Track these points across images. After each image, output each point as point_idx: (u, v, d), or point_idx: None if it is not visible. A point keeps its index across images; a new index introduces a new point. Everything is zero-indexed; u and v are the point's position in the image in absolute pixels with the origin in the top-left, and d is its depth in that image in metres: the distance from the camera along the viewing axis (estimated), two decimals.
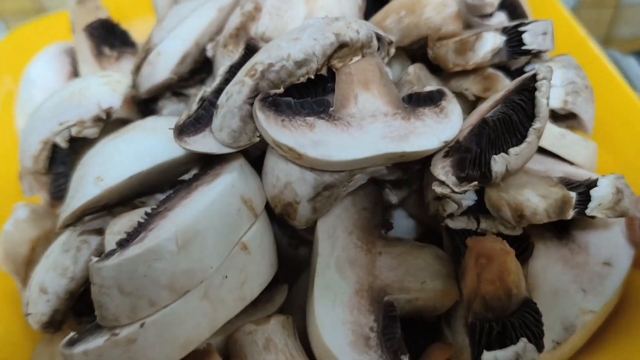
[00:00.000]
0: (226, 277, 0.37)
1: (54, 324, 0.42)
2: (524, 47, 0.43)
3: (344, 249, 0.40)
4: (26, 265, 0.46)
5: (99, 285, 0.34)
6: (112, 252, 0.35)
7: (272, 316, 0.40)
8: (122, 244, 0.35)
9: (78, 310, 0.44)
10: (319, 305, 0.37)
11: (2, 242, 0.47)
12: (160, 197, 0.43)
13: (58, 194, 0.48)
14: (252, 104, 0.37)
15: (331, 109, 0.38)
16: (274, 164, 0.39)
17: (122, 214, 0.42)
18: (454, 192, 0.37)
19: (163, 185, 0.44)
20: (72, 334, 0.36)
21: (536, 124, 0.37)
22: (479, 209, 0.40)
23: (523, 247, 0.40)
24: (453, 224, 0.40)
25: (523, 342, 0.36)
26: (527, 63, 0.46)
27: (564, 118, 0.46)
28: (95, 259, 0.35)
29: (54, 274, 0.42)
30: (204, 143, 0.39)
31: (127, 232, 0.37)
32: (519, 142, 0.37)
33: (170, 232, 0.34)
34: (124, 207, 0.44)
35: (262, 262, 0.39)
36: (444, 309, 0.40)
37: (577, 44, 0.52)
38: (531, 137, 0.37)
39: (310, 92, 0.40)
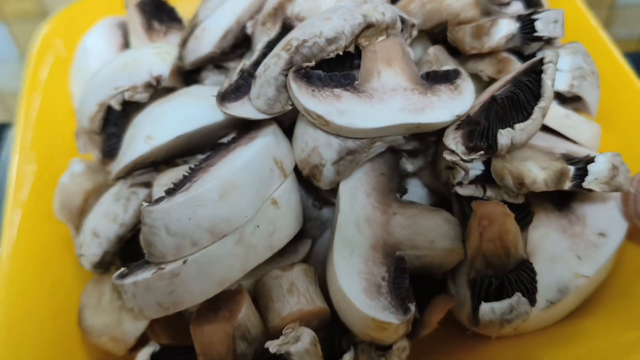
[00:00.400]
0: (258, 226, 0.42)
1: (103, 265, 0.48)
2: (536, 34, 0.47)
3: (363, 209, 0.44)
4: (80, 214, 0.52)
5: (149, 226, 0.39)
6: (161, 198, 0.40)
7: (296, 264, 0.45)
8: (170, 192, 0.41)
9: (124, 255, 0.49)
10: (337, 256, 0.42)
11: (59, 192, 0.53)
12: (202, 157, 0.48)
13: (109, 152, 0.53)
14: (286, 75, 0.42)
15: (356, 82, 0.43)
16: (303, 130, 0.44)
17: (168, 170, 0.48)
18: (462, 160, 0.41)
19: (204, 147, 0.49)
20: (122, 269, 0.42)
21: (541, 103, 0.41)
22: (485, 179, 0.44)
23: (524, 214, 0.44)
24: (462, 191, 0.45)
25: (517, 296, 0.40)
26: (540, 49, 0.50)
27: (570, 101, 0.50)
28: (146, 204, 0.40)
29: (105, 220, 0.48)
30: (243, 109, 0.44)
31: (173, 183, 0.42)
32: (524, 118, 0.41)
33: (212, 183, 0.39)
34: (168, 165, 0.50)
35: (290, 216, 0.44)
36: (449, 266, 0.44)
37: (589, 33, 0.55)
38: (536, 114, 0.41)
39: (339, 66, 0.45)
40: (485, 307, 0.40)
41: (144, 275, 0.39)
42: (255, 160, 0.42)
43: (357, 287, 0.41)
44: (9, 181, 0.54)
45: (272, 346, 0.40)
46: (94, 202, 0.51)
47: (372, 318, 0.40)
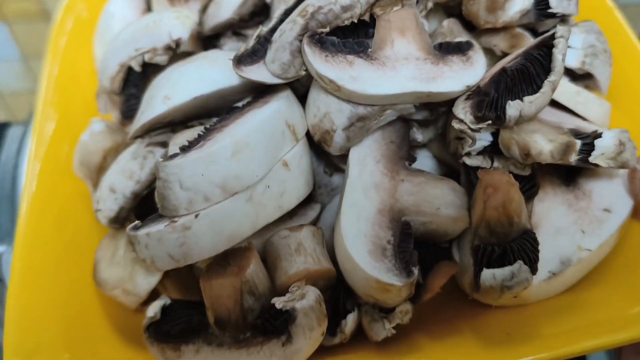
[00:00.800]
0: (268, 186, 0.43)
1: (118, 220, 0.50)
2: (550, 10, 0.48)
3: (371, 175, 0.46)
4: (98, 171, 0.54)
5: (163, 180, 0.41)
6: (175, 154, 0.41)
7: (305, 226, 0.46)
8: (184, 149, 0.42)
9: (139, 212, 0.51)
10: (344, 219, 0.43)
11: (78, 150, 0.54)
12: (217, 119, 0.49)
13: (128, 113, 0.55)
14: (301, 41, 0.43)
15: (369, 50, 0.44)
16: (316, 96, 0.45)
17: (184, 130, 0.49)
18: (470, 129, 0.42)
19: (220, 110, 0.50)
20: (136, 222, 0.43)
21: (551, 77, 0.42)
22: (493, 150, 0.45)
23: (529, 186, 0.45)
24: (470, 161, 0.45)
25: (519, 263, 0.41)
26: (554, 27, 0.50)
27: (581, 78, 0.51)
28: (161, 159, 0.41)
29: (122, 177, 0.49)
30: (258, 73, 0.45)
31: (188, 141, 0.43)
32: (534, 92, 0.42)
33: (225, 141, 0.41)
34: (185, 127, 0.51)
35: (300, 179, 0.46)
36: (454, 234, 0.45)
37: (604, 12, 0.56)
38: (545, 88, 0.42)
39: (353, 34, 0.46)
40: (487, 273, 0.41)
41: (157, 227, 0.40)
42: (268, 122, 0.43)
43: (363, 249, 0.42)
44: (31, 137, 0.56)
45: (279, 302, 0.42)
46: (112, 160, 0.53)
47: (376, 279, 0.41)
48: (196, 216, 0.40)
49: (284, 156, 0.44)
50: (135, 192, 0.49)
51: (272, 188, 0.43)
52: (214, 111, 0.51)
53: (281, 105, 0.45)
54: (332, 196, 0.51)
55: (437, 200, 0.45)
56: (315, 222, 0.48)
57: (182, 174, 0.40)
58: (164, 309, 0.44)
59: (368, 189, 0.45)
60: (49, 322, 0.47)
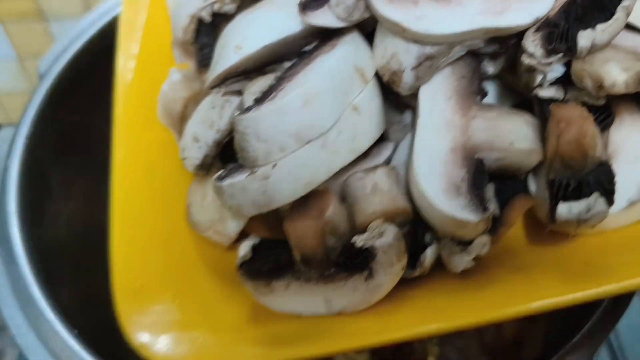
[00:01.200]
0: (340, 132, 0.44)
1: (204, 167, 0.53)
2: None
3: (442, 113, 0.46)
4: (180, 119, 0.57)
5: (240, 133, 0.43)
6: (250, 107, 0.43)
7: (379, 167, 0.47)
8: (258, 100, 0.44)
9: (223, 157, 0.54)
10: (417, 160, 0.45)
11: (160, 100, 0.57)
12: (288, 64, 0.50)
13: (204, 62, 0.56)
14: None
15: None
16: (382, 37, 0.46)
17: (258, 78, 0.51)
18: (541, 63, 0.41)
19: (291, 55, 0.52)
20: (220, 171, 0.46)
21: (625, 2, 0.40)
22: (566, 81, 0.44)
23: (605, 116, 0.45)
24: (542, 93, 0.45)
25: (595, 195, 0.41)
26: None
27: None
28: (237, 112, 0.44)
29: (203, 126, 0.52)
30: (323, 17, 0.46)
31: (261, 92, 0.45)
32: (606, 19, 0.41)
33: (295, 92, 0.42)
34: (259, 74, 0.53)
35: (371, 121, 0.47)
36: (528, 167, 0.46)
37: None
38: (619, 14, 0.40)
39: None
40: (563, 207, 0.42)
41: (239, 178, 0.43)
42: (336, 68, 0.44)
43: (437, 188, 0.44)
44: (114, 86, 0.60)
45: (359, 241, 0.44)
46: (193, 109, 0.56)
47: (452, 217, 0.42)
48: (274, 166, 0.42)
49: (353, 100, 0.45)
50: (216, 141, 0.51)
51: (344, 133, 0.45)
52: (285, 56, 0.52)
53: (348, 49, 0.45)
54: (405, 132, 0.52)
55: (510, 135, 0.45)
56: (389, 160, 0.50)
57: (257, 126, 0.42)
58: (254, 248, 0.47)
59: (440, 128, 0.46)
60: (150, 264, 0.51)
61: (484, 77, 0.48)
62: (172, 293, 0.50)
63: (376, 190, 0.46)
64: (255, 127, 0.42)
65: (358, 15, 0.45)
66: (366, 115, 0.46)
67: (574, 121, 0.41)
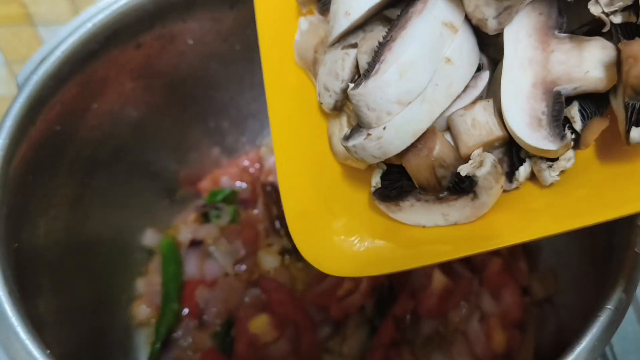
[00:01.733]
0: (437, 85, 0.53)
1: (337, 108, 0.64)
2: None
3: (525, 50, 0.53)
4: (313, 63, 0.68)
5: (354, 104, 0.54)
6: (359, 82, 0.54)
7: (477, 102, 0.56)
8: (365, 74, 0.54)
9: None
10: (504, 97, 0.52)
11: (295, 48, 0.69)
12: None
13: (324, 8, 0.66)
14: None
15: None
16: None
17: (367, 37, 0.59)
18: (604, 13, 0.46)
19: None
20: (345, 131, 0.58)
21: None
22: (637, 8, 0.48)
23: None
24: (615, 19, 0.49)
25: None
26: None
27: None
28: (351, 85, 0.54)
29: (330, 77, 0.63)
30: None
31: (367, 63, 0.55)
32: None
33: (392, 68, 0.52)
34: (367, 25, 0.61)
35: (464, 66, 0.55)
36: (604, 90, 0.52)
37: None
38: None
39: None
40: (635, 132, 0.48)
41: (359, 140, 0.55)
42: (427, 34, 0.52)
43: (522, 123, 0.52)
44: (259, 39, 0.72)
45: (463, 171, 0.55)
46: (322, 52, 0.66)
47: (535, 147, 0.51)
48: (384, 128, 0.53)
49: (445, 53, 0.53)
50: (342, 89, 0.62)
51: (440, 85, 0.53)
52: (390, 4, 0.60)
53: (434, 8, 0.53)
54: (501, 55, 0.59)
55: (585, 64, 0.51)
56: (486, 89, 0.58)
57: (366, 99, 0.53)
58: (382, 177, 0.60)
59: (523, 65, 0.53)
60: (309, 190, 0.66)
61: (561, 8, 0.52)
62: (329, 214, 0.65)
63: (475, 125, 0.55)
64: (364, 100, 0.53)
65: None
66: (458, 63, 0.54)
67: None
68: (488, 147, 0.56)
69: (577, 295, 0.79)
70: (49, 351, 0.57)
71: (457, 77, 0.54)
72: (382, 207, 0.60)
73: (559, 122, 0.51)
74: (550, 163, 0.54)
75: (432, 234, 0.59)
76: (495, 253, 0.92)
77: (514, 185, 0.56)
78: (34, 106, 0.73)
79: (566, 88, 0.51)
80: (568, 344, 0.54)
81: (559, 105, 0.51)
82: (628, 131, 0.49)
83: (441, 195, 0.57)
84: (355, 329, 0.86)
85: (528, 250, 0.93)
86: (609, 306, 0.56)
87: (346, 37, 0.63)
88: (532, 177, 0.56)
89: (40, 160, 0.76)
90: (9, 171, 0.69)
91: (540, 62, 0.52)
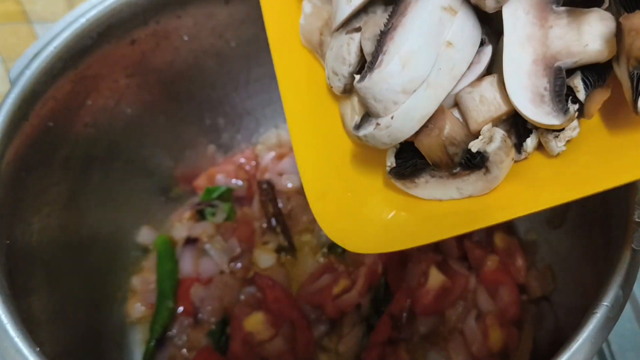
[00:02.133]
0: (440, 69, 0.55)
1: (347, 91, 0.66)
2: None
3: (523, 27, 0.53)
4: (320, 46, 0.69)
5: (362, 96, 0.56)
6: (364, 74, 0.55)
7: (483, 79, 0.57)
8: (369, 66, 0.55)
9: None
10: (506, 75, 0.54)
11: (301, 32, 0.70)
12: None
13: None
14: None
15: None
16: None
17: (369, 22, 0.60)
18: None
19: None
20: (355, 120, 0.60)
21: None
22: None
23: None
24: None
25: None
26: None
27: None
28: (357, 77, 0.56)
29: (337, 62, 0.64)
30: None
31: (371, 54, 0.56)
32: None
33: (394, 59, 0.53)
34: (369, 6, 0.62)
35: (466, 47, 0.56)
36: (604, 60, 0.52)
37: None
38: None
39: None
40: None
41: (369, 129, 0.57)
42: (425, 22, 0.53)
43: (525, 99, 0.53)
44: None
45: (474, 147, 0.57)
46: (327, 34, 0.68)
47: (539, 123, 0.53)
48: (392, 117, 0.55)
49: (446, 37, 0.55)
50: (350, 72, 0.64)
51: (443, 68, 0.55)
52: None
53: None
54: (497, 38, 0.59)
55: (584, 37, 0.52)
56: (491, 63, 0.59)
57: (372, 91, 0.54)
58: (396, 155, 0.62)
59: (522, 43, 0.54)
60: (327, 170, 0.68)
61: None
62: (347, 189, 0.67)
63: (483, 101, 0.57)
64: (370, 91, 0.55)
65: None
66: (460, 45, 0.55)
67: None
68: (497, 121, 0.57)
69: (575, 293, 0.79)
70: (38, 349, 0.56)
71: (460, 58, 0.56)
72: (398, 185, 0.63)
73: (561, 97, 0.52)
74: (556, 133, 0.55)
75: (448, 207, 0.62)
76: (492, 251, 0.91)
77: (523, 155, 0.58)
78: (26, 102, 0.73)
79: (566, 62, 0.52)
80: (565, 341, 0.54)
81: (560, 80, 0.52)
82: (635, 100, 0.50)
83: (454, 171, 0.59)
84: (351, 327, 0.86)
85: (525, 248, 0.92)
86: (605, 303, 0.56)
87: (350, 21, 0.64)
88: (541, 147, 0.58)
89: (33, 157, 0.75)
90: (2, 167, 0.69)
91: (539, 39, 0.53)
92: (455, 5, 0.55)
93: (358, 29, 0.63)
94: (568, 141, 0.55)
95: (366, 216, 0.66)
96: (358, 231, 0.66)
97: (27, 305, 0.68)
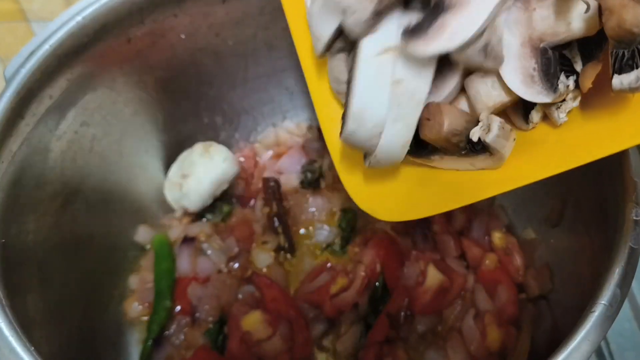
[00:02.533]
0: (399, 104, 0.54)
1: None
2: None
3: (510, 13, 0.54)
4: None
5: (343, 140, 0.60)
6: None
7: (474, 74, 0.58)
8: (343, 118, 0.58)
9: None
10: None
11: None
12: None
13: None
14: None
15: None
16: None
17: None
18: None
19: None
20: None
21: None
22: None
23: None
24: None
25: None
26: None
27: None
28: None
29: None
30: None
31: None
32: None
33: (348, 121, 0.56)
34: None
35: (418, 74, 0.54)
36: (592, 34, 0.52)
37: None
38: None
39: None
40: (616, 80, 0.49)
41: (369, 160, 0.61)
42: (365, 77, 0.55)
43: (517, 81, 0.54)
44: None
45: (474, 136, 0.58)
46: None
47: (533, 101, 0.55)
48: (375, 155, 0.58)
49: (393, 78, 0.54)
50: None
51: (403, 102, 0.54)
52: None
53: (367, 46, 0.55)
54: None
55: (567, 15, 0.52)
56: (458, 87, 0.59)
57: (349, 143, 0.59)
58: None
59: (511, 27, 0.54)
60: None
61: None
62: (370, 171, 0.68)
63: (495, 86, 0.57)
64: (349, 143, 0.59)
65: None
66: (410, 77, 0.53)
67: (615, 9, 0.46)
68: (496, 112, 0.59)
69: (573, 292, 0.76)
70: (33, 348, 0.55)
71: (416, 86, 0.55)
72: (417, 160, 0.65)
73: (549, 75, 0.53)
74: (558, 104, 0.56)
75: (466, 175, 0.63)
76: (491, 249, 0.90)
77: (530, 126, 0.60)
78: (22, 100, 0.71)
79: (552, 42, 0.53)
80: (563, 340, 0.53)
81: (546, 59, 0.53)
82: (612, 78, 0.50)
83: (464, 152, 0.61)
84: (349, 327, 0.84)
85: (523, 247, 0.90)
86: (603, 302, 0.54)
87: (333, 44, 0.63)
88: (547, 118, 0.60)
89: (29, 156, 0.73)
90: None
91: (525, 22, 0.53)
92: (392, 45, 0.54)
93: (342, 49, 0.63)
94: (569, 112, 0.56)
95: (392, 187, 0.68)
96: (386, 201, 0.67)
97: (22, 305, 0.66)
